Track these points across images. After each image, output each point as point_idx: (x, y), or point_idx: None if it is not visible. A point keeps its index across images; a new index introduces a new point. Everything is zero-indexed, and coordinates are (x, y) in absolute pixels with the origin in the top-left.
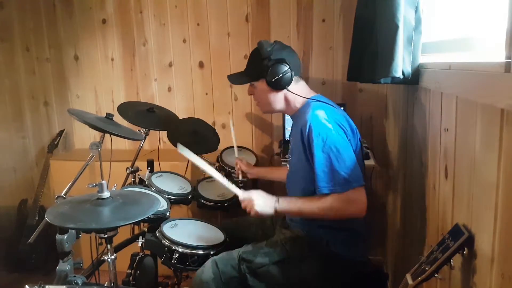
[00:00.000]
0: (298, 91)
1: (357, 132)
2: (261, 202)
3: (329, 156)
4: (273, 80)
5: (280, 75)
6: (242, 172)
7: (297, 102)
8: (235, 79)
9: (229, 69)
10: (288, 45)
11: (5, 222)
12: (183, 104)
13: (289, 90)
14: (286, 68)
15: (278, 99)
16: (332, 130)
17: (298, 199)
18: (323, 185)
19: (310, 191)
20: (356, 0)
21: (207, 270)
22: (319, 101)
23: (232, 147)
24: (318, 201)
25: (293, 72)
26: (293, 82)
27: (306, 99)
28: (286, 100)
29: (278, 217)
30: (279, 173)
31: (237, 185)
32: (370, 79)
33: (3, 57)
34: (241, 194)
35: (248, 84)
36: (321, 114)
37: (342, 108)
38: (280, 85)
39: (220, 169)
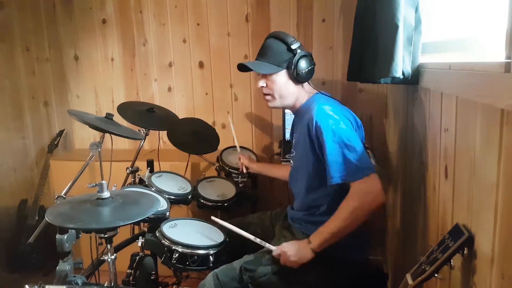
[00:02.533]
0: (306, 86)
1: (361, 127)
2: (294, 251)
3: (340, 146)
4: (300, 72)
5: (307, 69)
6: (246, 166)
7: (303, 98)
8: (258, 67)
9: (229, 69)
10: None
11: (5, 222)
12: (183, 104)
13: (304, 85)
14: (313, 63)
15: (293, 93)
16: (339, 120)
17: (325, 226)
18: (336, 175)
19: (314, 186)
20: (356, 0)
21: (208, 283)
22: (324, 94)
23: (232, 146)
24: (342, 213)
25: (314, 68)
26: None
27: (310, 94)
28: (297, 95)
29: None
30: (280, 171)
31: (238, 185)
32: (370, 79)
33: (3, 57)
34: (274, 250)
35: (260, 75)
36: (327, 108)
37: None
38: (303, 78)
39: (220, 169)
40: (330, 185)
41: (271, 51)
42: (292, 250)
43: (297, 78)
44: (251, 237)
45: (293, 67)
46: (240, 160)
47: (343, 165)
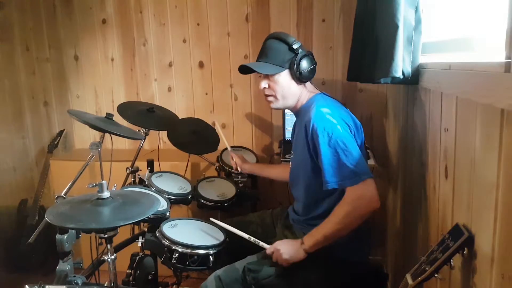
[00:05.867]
0: (308, 87)
1: (361, 129)
2: (286, 250)
3: (336, 150)
4: (302, 72)
5: (309, 68)
6: (240, 167)
7: (303, 98)
8: (260, 68)
9: (229, 69)
10: None
11: (5, 222)
12: (183, 104)
13: (306, 85)
14: (315, 62)
15: (295, 93)
16: (337, 125)
17: (319, 229)
18: (332, 180)
19: (313, 189)
20: (356, 0)
21: (210, 285)
22: (326, 94)
23: (232, 147)
24: (334, 216)
25: (316, 67)
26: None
27: (311, 95)
28: (299, 95)
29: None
30: (274, 171)
31: (238, 185)
32: (370, 79)
33: (3, 57)
34: (268, 247)
35: (262, 77)
36: (325, 110)
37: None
38: (305, 78)
39: (220, 169)
40: (326, 190)
41: (273, 51)
42: (285, 249)
43: (300, 78)
44: (246, 236)
45: (295, 66)
46: (232, 159)
47: (338, 170)
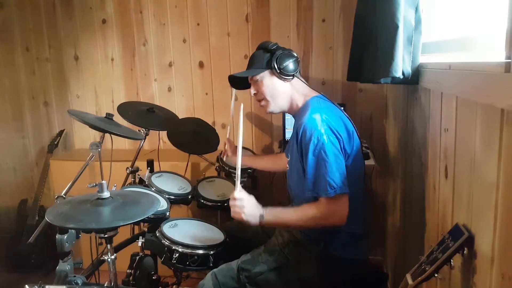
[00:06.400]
0: (300, 87)
1: (354, 135)
2: (249, 211)
3: (318, 160)
4: (282, 66)
5: (289, 61)
6: (227, 154)
7: (299, 100)
8: (243, 74)
9: (229, 69)
10: (288, 45)
11: (5, 222)
12: (183, 104)
13: (294, 80)
14: (293, 57)
15: (284, 92)
16: (323, 135)
17: (283, 211)
18: (309, 188)
19: (306, 192)
20: (356, 0)
21: (207, 282)
22: (322, 97)
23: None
24: (301, 212)
25: (299, 60)
26: (295, 77)
27: (306, 97)
28: (291, 95)
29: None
30: (262, 162)
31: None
32: (370, 79)
33: (3, 57)
34: (238, 192)
35: (250, 85)
36: (317, 117)
37: (342, 108)
38: (287, 72)
39: (220, 169)
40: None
41: (254, 59)
42: (249, 209)
43: (282, 74)
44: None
45: (273, 65)
46: (225, 145)
47: (316, 180)
